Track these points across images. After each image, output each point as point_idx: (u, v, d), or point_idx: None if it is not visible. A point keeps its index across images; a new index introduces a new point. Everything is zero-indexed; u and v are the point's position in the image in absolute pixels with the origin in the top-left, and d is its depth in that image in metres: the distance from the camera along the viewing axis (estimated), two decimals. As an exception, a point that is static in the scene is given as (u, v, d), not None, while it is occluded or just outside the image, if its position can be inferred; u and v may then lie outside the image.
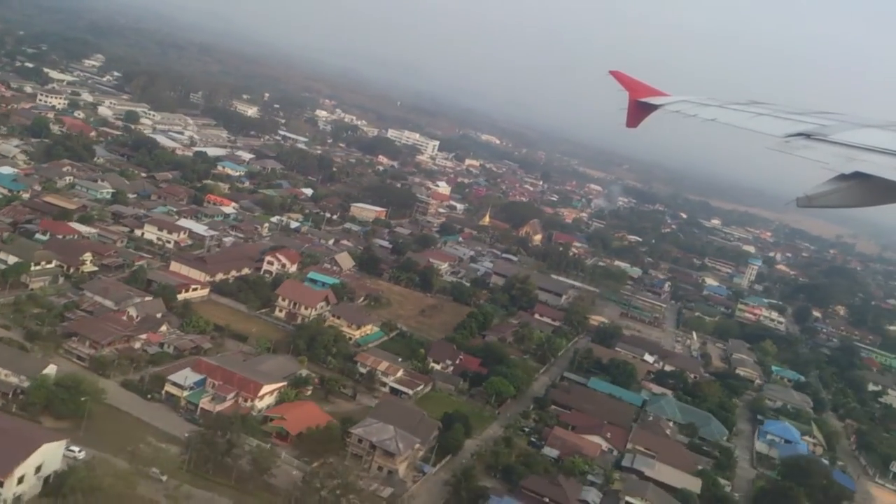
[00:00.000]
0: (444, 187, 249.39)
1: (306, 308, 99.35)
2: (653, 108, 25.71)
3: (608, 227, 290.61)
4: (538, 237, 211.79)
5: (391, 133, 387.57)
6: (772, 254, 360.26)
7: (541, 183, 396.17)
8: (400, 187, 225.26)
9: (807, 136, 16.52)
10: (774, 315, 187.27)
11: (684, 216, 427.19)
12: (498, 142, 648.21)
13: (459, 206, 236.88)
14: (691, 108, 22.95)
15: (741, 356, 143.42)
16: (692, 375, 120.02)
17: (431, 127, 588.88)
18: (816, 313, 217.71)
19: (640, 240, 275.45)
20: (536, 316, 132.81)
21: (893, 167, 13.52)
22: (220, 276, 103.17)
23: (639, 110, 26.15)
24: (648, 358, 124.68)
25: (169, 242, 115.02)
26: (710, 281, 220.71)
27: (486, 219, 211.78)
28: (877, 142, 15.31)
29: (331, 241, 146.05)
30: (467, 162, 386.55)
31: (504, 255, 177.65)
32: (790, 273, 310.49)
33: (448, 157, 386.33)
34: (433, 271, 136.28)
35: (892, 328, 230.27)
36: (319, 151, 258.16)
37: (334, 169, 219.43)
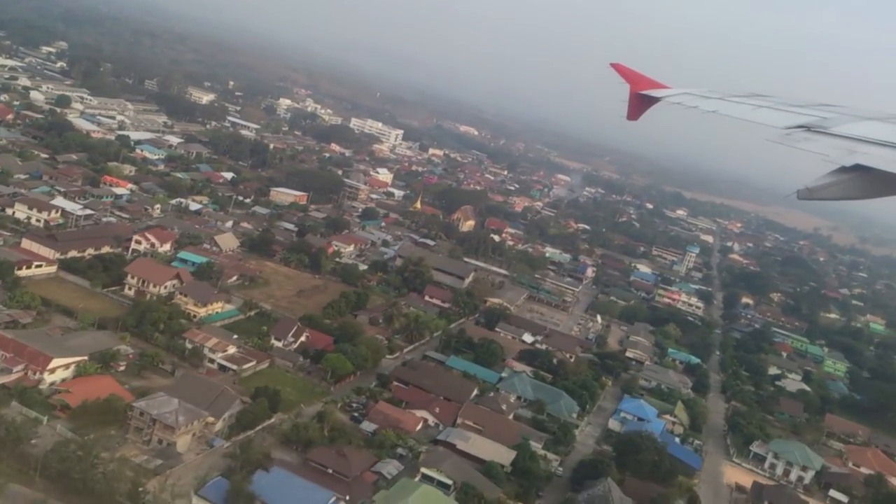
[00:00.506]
0: (384, 174, 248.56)
1: (155, 286, 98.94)
2: (654, 100, 25.67)
3: (559, 216, 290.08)
4: (469, 223, 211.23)
5: (354, 122, 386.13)
6: (730, 243, 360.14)
7: (505, 172, 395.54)
8: (339, 173, 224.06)
9: (807, 128, 16.60)
10: (694, 300, 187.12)
11: (650, 206, 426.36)
12: (476, 133, 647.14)
13: (399, 193, 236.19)
14: (692, 101, 23.03)
15: (638, 338, 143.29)
16: (568, 355, 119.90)
17: (408, 117, 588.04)
18: (749, 300, 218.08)
19: (587, 228, 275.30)
20: (427, 297, 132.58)
21: (894, 160, 13.51)
22: (72, 254, 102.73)
23: (640, 103, 26.16)
24: (528, 338, 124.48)
25: (39, 221, 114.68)
26: (643, 268, 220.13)
27: (417, 204, 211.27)
28: (877, 134, 15.33)
29: (229, 223, 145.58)
30: (431, 151, 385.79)
31: (422, 240, 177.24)
32: (743, 262, 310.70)
33: (412, 146, 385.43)
34: (324, 253, 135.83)
35: (830, 315, 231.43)
36: (262, 138, 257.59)
37: (268, 154, 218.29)
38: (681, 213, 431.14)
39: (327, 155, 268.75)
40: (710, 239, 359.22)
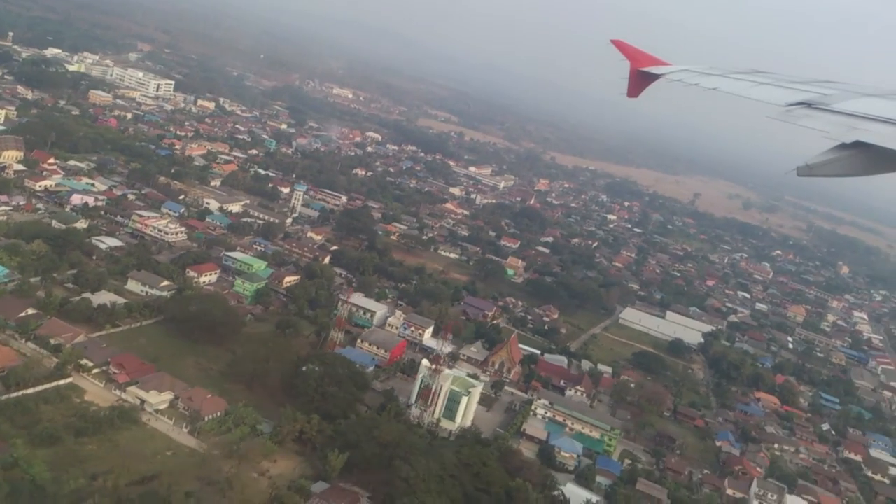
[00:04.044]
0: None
1: None
2: (654, 77, 25.48)
3: (243, 162, 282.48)
4: (10, 153, 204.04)
5: (116, 73, 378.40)
6: (473, 195, 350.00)
7: (283, 126, 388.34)
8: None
9: (808, 105, 16.48)
10: (173, 227, 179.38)
11: (439, 158, 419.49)
12: (350, 96, 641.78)
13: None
14: (693, 77, 22.93)
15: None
16: None
17: (271, 79, 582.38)
18: (315, 235, 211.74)
19: (260, 171, 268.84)
20: None
21: (894, 136, 13.31)
22: None
23: (640, 80, 25.97)
24: None
25: None
26: (210, 202, 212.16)
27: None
28: (878, 111, 15.13)
29: None
30: (200, 103, 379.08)
31: None
32: (456, 210, 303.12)
33: (183, 97, 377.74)
34: None
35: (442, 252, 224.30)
36: None
37: None
38: (474, 170, 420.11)
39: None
40: (456, 191, 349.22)
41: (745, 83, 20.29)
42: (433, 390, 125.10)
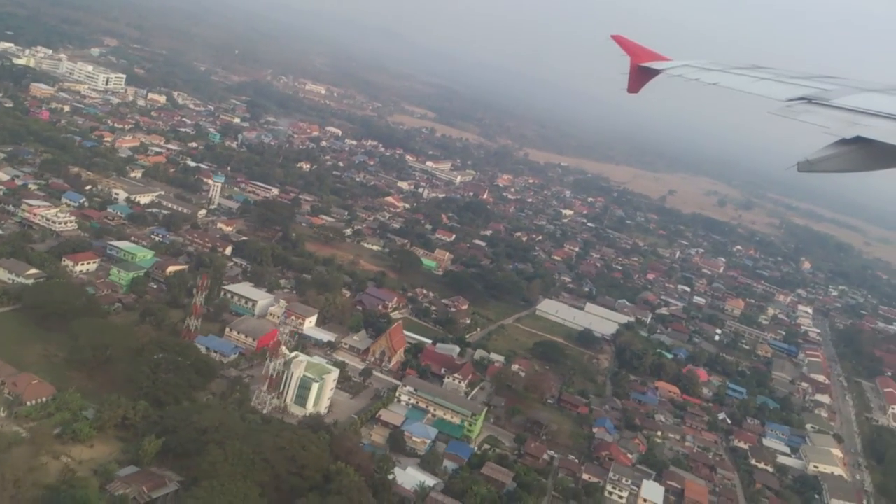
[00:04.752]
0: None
1: None
2: (654, 72, 25.27)
3: (179, 153, 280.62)
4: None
5: (66, 66, 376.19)
6: (421, 189, 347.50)
7: (235, 120, 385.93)
8: None
9: (808, 100, 16.26)
10: (62, 216, 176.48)
11: (399, 153, 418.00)
12: (323, 91, 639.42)
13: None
14: (693, 73, 22.83)
15: None
16: None
17: (241, 74, 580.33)
18: (226, 227, 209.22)
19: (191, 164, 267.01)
20: None
21: (895, 132, 13.17)
22: None
23: (640, 75, 25.75)
24: None
25: None
26: (119, 192, 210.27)
27: None
28: (878, 106, 14.92)
29: None
30: (151, 96, 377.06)
31: None
32: (396, 204, 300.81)
33: (129, 90, 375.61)
34: None
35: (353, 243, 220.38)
36: None
37: None
38: (430, 165, 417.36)
39: None
40: (404, 185, 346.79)
41: (746, 78, 19.98)
42: (283, 376, 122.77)
